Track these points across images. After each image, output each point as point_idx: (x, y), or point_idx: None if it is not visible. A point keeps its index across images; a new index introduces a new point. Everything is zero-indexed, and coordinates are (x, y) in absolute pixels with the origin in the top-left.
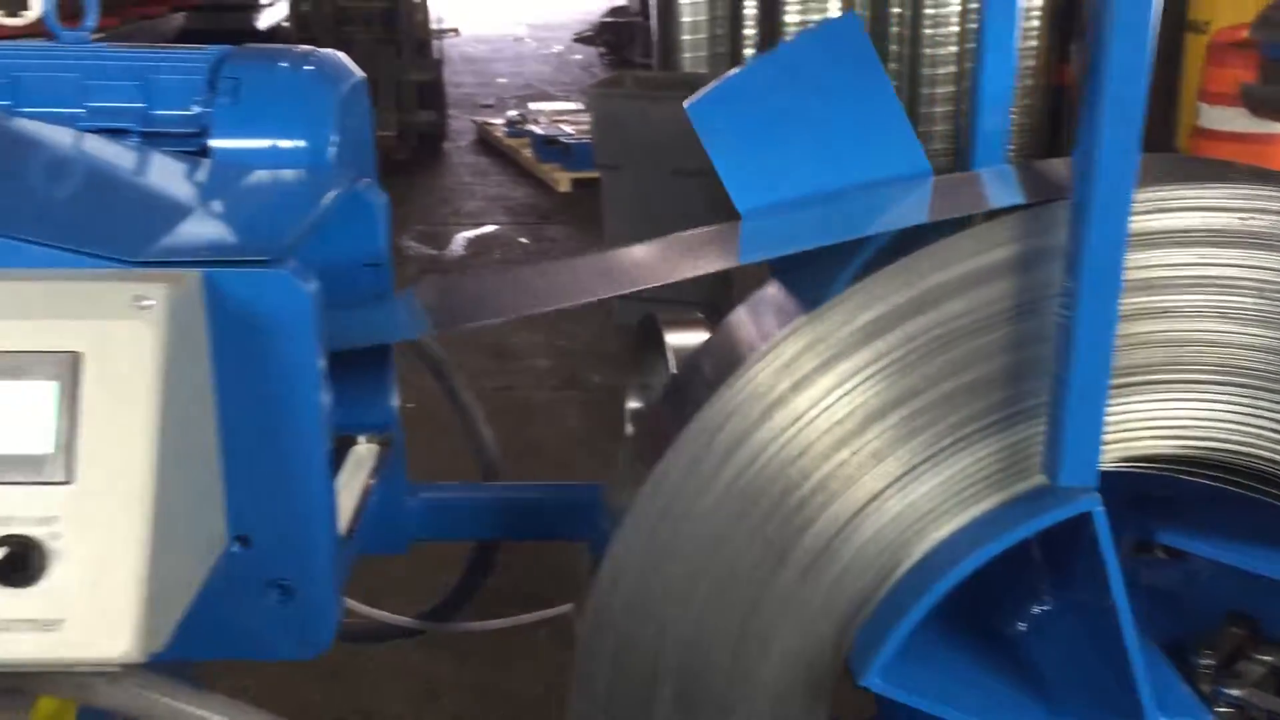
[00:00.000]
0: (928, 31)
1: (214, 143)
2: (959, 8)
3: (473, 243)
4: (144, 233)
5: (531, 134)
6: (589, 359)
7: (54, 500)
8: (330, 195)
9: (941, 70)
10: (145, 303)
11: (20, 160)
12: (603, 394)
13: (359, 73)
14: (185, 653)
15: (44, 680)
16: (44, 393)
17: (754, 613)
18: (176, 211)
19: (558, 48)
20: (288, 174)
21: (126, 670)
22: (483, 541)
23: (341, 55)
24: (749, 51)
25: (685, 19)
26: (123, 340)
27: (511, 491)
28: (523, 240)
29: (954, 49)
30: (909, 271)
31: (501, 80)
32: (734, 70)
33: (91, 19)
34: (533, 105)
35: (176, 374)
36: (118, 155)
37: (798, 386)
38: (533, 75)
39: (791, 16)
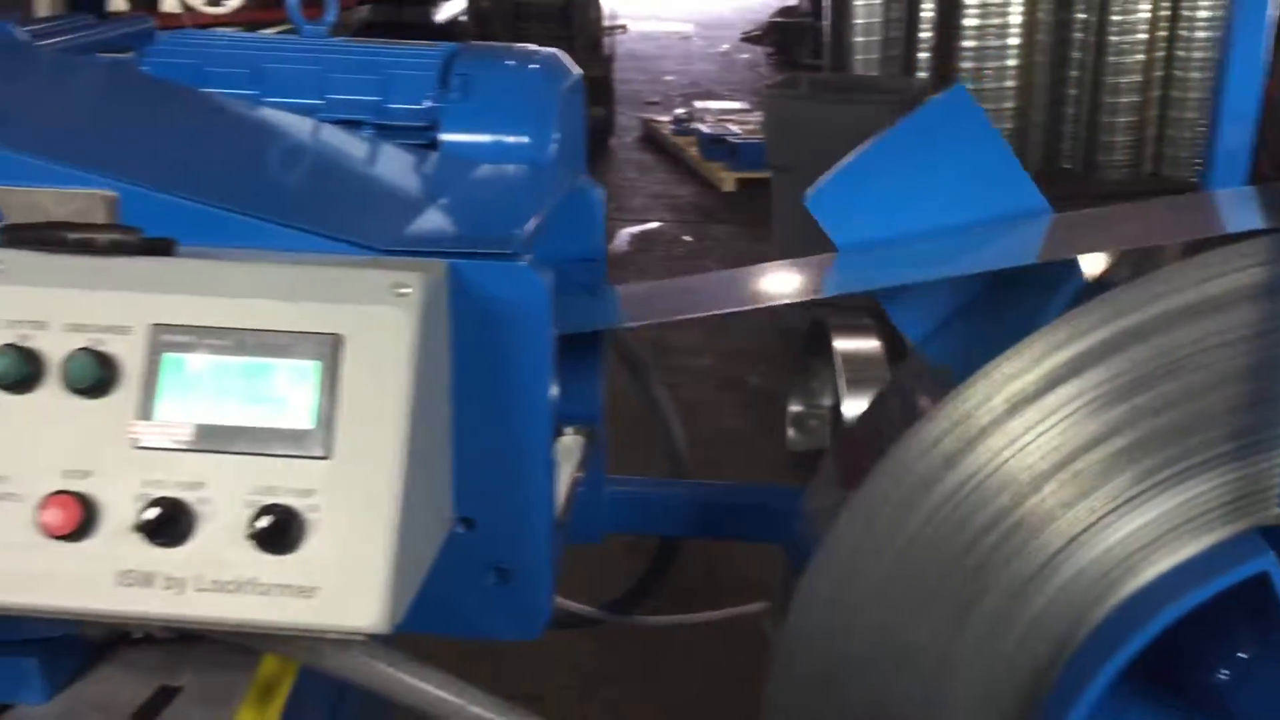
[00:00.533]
0: (1113, 39)
1: (443, 136)
2: (1148, 15)
3: (637, 238)
4: (390, 221)
5: (698, 132)
6: (750, 360)
7: (313, 474)
8: (557, 190)
9: (1125, 79)
10: (403, 290)
11: (270, 148)
12: (761, 396)
13: (577, 71)
14: (404, 626)
15: (274, 641)
16: (307, 371)
17: (935, 684)
18: (417, 202)
19: (725, 46)
20: (513, 169)
21: (355, 639)
22: (667, 538)
23: (562, 54)
24: (924, 55)
25: (859, 20)
26: (382, 325)
27: (705, 489)
28: (686, 238)
29: (1140, 57)
30: (1132, 297)
31: (668, 78)
32: (850, 156)
33: (331, 13)
34: (699, 104)
35: (426, 359)
36: (356, 146)
37: (985, 431)
38: (699, 74)
39: (970, 20)
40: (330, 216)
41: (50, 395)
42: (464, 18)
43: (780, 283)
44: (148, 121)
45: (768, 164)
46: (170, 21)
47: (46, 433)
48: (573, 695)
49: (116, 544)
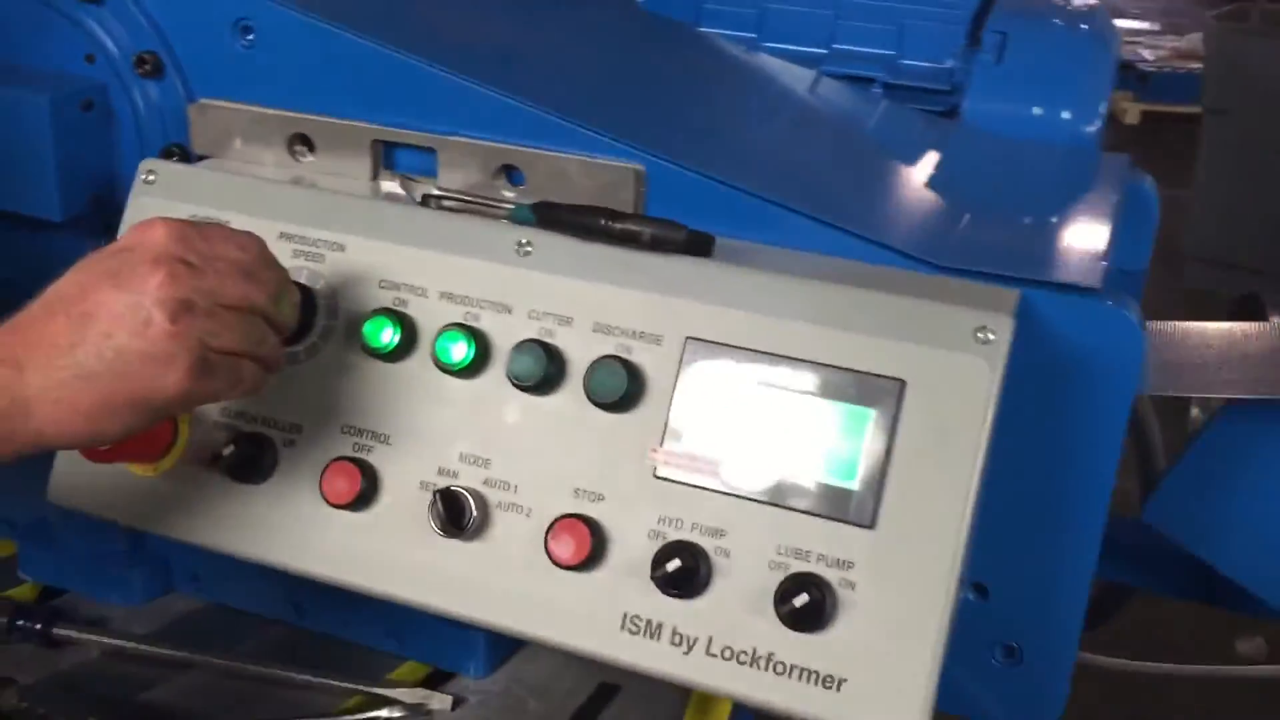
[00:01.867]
0: None
1: (968, 103)
2: None
3: None
4: (942, 226)
5: None
6: None
7: (853, 543)
8: (1118, 187)
9: None
10: (987, 335)
11: (787, 116)
12: None
13: (1119, 26)
14: None
15: None
16: (859, 419)
17: None
18: (967, 200)
19: None
20: (1065, 155)
21: None
22: (1115, 583)
23: (1105, 11)
24: None
25: None
26: (958, 374)
27: None
28: None
29: None
30: None
31: None
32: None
33: None
34: None
35: (996, 416)
36: (877, 115)
37: None
38: None
39: None
40: (869, 213)
41: (569, 402)
42: None
43: None
44: (659, 75)
45: (1201, 102)
46: None
47: (562, 444)
48: None
49: (625, 582)
